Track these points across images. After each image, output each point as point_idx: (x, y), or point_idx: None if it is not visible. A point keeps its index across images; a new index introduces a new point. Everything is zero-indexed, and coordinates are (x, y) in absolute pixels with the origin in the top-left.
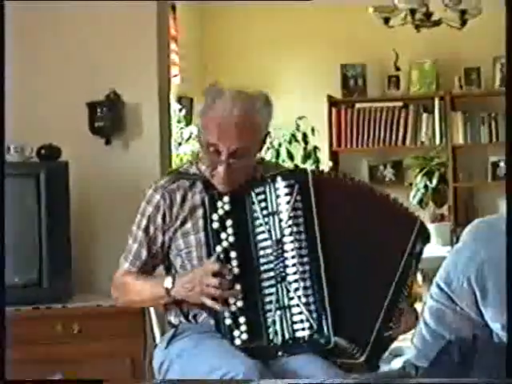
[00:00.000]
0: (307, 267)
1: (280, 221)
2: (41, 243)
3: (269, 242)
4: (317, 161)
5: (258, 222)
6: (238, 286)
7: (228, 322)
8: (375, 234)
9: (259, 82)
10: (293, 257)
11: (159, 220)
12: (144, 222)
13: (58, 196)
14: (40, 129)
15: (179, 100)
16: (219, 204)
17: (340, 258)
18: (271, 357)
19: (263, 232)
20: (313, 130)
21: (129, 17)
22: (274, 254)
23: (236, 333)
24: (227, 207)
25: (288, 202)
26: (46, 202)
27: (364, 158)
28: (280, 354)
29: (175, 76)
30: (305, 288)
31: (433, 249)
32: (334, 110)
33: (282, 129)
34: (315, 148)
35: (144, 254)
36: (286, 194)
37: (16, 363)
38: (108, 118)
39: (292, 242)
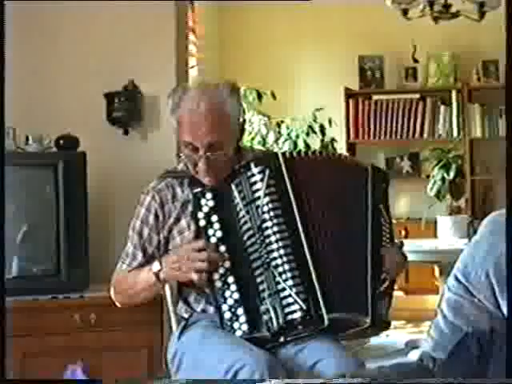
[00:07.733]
0: (289, 249)
1: (257, 207)
2: (58, 233)
3: (252, 231)
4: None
5: (241, 213)
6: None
7: (227, 315)
8: (344, 198)
9: (277, 73)
10: (276, 241)
11: (152, 220)
12: (138, 224)
13: (75, 186)
14: (58, 119)
15: None
16: (203, 201)
17: (321, 233)
18: (275, 344)
19: (246, 222)
20: (330, 121)
21: (147, 8)
22: (258, 241)
23: (236, 325)
24: (211, 203)
25: (262, 188)
26: (63, 192)
27: (381, 150)
28: (282, 339)
29: (193, 67)
30: (290, 270)
31: (450, 241)
32: (351, 102)
33: (299, 120)
34: (332, 140)
35: (139, 255)
36: (261, 180)
37: (34, 354)
38: (126, 108)
39: (272, 226)
